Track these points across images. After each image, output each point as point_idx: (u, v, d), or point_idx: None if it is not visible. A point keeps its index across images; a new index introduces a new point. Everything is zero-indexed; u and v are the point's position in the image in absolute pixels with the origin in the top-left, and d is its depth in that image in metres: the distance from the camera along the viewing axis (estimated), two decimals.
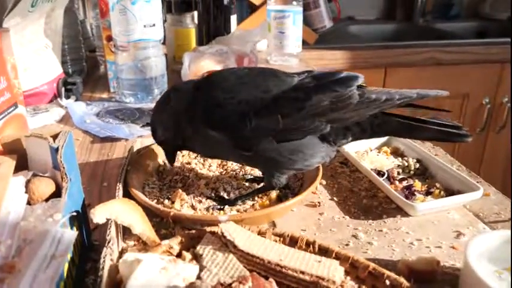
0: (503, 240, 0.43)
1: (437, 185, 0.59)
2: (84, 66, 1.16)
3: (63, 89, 0.96)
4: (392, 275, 0.41)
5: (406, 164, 0.64)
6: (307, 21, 1.54)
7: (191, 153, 0.67)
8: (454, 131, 0.53)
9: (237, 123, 0.50)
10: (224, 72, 0.57)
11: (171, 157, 0.60)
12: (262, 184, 0.57)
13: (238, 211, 0.53)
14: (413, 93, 0.54)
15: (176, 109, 0.55)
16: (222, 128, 0.51)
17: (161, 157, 0.65)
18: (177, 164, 0.64)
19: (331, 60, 1.44)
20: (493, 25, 1.96)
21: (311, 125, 0.50)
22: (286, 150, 0.51)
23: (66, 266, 0.38)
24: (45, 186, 0.43)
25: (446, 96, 0.55)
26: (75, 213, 0.42)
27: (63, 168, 0.42)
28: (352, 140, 0.54)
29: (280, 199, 0.56)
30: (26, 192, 0.42)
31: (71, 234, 0.37)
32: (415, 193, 0.57)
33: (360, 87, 0.52)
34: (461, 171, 0.63)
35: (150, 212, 0.50)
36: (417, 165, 0.64)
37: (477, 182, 0.57)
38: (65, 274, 0.37)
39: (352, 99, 0.50)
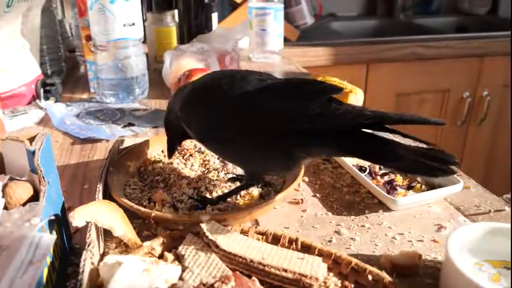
0: (484, 233, 0.44)
1: (419, 179, 0.59)
2: (63, 66, 1.14)
3: (41, 90, 0.94)
4: (375, 270, 0.41)
5: None
6: (288, 18, 1.54)
7: None
8: (438, 166, 0.42)
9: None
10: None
11: (174, 146, 0.61)
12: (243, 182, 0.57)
13: (220, 210, 0.53)
14: (393, 115, 0.44)
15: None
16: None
17: (142, 157, 0.64)
18: (158, 164, 0.63)
19: (313, 56, 1.44)
20: (472, 20, 1.99)
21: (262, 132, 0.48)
22: (237, 153, 0.52)
23: (46, 271, 0.37)
24: (22, 190, 0.42)
25: (443, 124, 0.44)
26: (54, 217, 0.42)
27: (41, 171, 0.42)
28: (317, 155, 0.52)
29: (262, 197, 0.56)
30: (3, 196, 0.41)
31: (49, 238, 0.36)
32: (397, 188, 0.57)
33: (332, 101, 0.47)
34: None
35: (131, 214, 0.49)
36: None
37: (457, 175, 0.57)
38: (44, 279, 0.36)
39: (311, 109, 0.45)
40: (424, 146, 0.44)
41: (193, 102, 0.54)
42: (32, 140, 0.45)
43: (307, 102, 0.46)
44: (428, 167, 0.42)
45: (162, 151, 0.67)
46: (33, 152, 0.42)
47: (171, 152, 0.61)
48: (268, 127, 0.47)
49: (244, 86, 0.50)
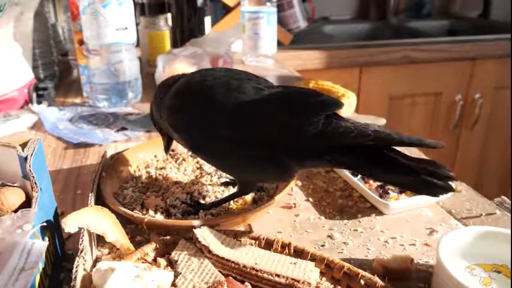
0: (475, 236, 0.44)
1: None
2: (56, 70, 1.14)
3: (34, 95, 0.94)
4: (367, 274, 0.41)
5: None
6: (281, 22, 1.55)
7: (165, 158, 0.66)
8: (436, 182, 0.41)
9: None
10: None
11: (169, 141, 0.60)
12: (236, 189, 0.57)
13: (212, 215, 0.53)
14: (395, 136, 0.42)
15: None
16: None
17: (135, 162, 0.64)
18: (151, 169, 0.63)
19: (306, 60, 1.45)
20: (463, 23, 2.00)
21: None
22: (231, 164, 0.51)
23: (38, 277, 0.37)
24: (14, 197, 0.42)
25: (441, 147, 0.42)
26: (46, 223, 0.42)
27: (33, 177, 0.42)
28: (313, 168, 0.51)
29: (255, 202, 0.56)
30: None
31: (41, 244, 0.36)
32: (389, 192, 0.57)
33: (332, 116, 0.45)
34: None
35: (124, 219, 0.49)
36: None
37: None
38: (37, 286, 0.36)
39: (311, 127, 0.44)
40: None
41: (183, 110, 0.51)
42: (24, 145, 0.45)
43: (306, 117, 0.44)
44: (428, 184, 0.41)
45: (155, 156, 0.67)
46: (26, 158, 0.42)
47: (166, 149, 0.61)
48: (264, 142, 0.46)
49: (240, 96, 0.47)
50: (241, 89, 0.48)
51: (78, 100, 1.01)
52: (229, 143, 0.48)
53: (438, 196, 0.42)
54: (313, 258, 0.44)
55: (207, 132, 0.49)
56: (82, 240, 0.41)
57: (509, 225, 0.52)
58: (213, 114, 0.49)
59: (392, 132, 0.43)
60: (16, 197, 0.42)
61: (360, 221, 0.54)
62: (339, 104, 0.45)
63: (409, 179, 0.42)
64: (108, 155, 0.64)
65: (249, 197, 0.56)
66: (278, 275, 0.40)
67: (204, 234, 0.44)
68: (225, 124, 0.48)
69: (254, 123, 0.47)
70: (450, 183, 0.41)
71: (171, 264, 0.43)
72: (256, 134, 0.47)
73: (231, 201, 0.55)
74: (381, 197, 0.56)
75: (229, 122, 0.47)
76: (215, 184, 0.60)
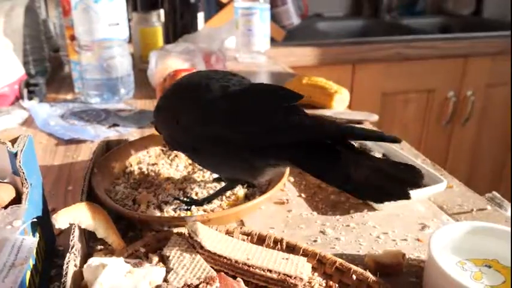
0: (466, 232, 0.44)
1: None
2: (47, 66, 1.13)
3: (25, 91, 0.93)
4: (359, 269, 0.42)
5: None
6: (274, 19, 1.54)
7: (157, 154, 0.66)
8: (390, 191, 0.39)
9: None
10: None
11: None
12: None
13: (205, 211, 0.53)
14: (357, 131, 0.41)
15: None
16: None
17: (127, 158, 0.64)
18: (143, 165, 0.63)
19: (299, 57, 1.44)
20: (456, 21, 2.01)
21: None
22: (206, 161, 0.53)
23: (29, 273, 0.37)
24: (4, 193, 0.42)
25: (399, 141, 0.39)
26: (36, 219, 0.41)
27: (23, 173, 0.41)
28: (278, 166, 0.49)
29: (247, 197, 0.56)
30: None
31: (32, 241, 0.36)
32: None
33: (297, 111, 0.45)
34: (426, 164, 0.64)
35: (116, 215, 0.49)
36: None
37: (441, 175, 0.58)
38: (27, 282, 0.36)
39: (268, 124, 0.44)
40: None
41: (162, 109, 0.55)
42: (14, 141, 0.44)
43: (264, 113, 0.45)
44: (377, 191, 0.39)
45: (147, 152, 0.66)
46: (15, 154, 0.42)
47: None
48: (227, 139, 0.47)
49: (207, 95, 0.49)
50: (209, 87, 0.49)
51: (69, 96, 1.00)
52: (199, 143, 0.50)
53: (383, 203, 0.40)
54: (306, 254, 0.44)
55: (180, 132, 0.52)
56: (73, 237, 0.41)
57: (499, 220, 0.53)
58: (183, 114, 0.51)
59: (356, 127, 0.41)
60: (6, 193, 0.42)
61: (352, 217, 0.54)
62: (296, 96, 0.45)
63: (358, 185, 0.40)
64: (100, 151, 0.64)
65: (241, 193, 0.56)
66: (270, 271, 0.40)
67: (196, 230, 0.44)
68: (193, 124, 0.50)
69: (214, 122, 0.48)
70: (410, 191, 0.38)
71: (163, 260, 0.43)
72: (217, 130, 0.47)
73: (223, 197, 0.55)
74: None
75: (196, 121, 0.49)
76: (207, 180, 0.60)
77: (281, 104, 0.45)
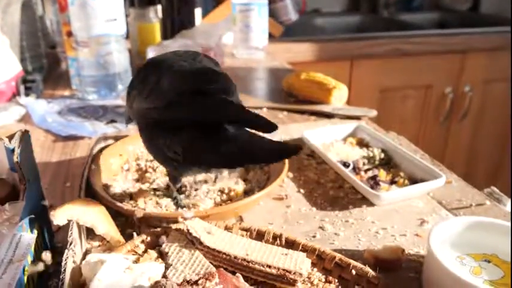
0: (465, 227, 0.44)
1: (402, 174, 0.60)
2: (44, 63, 1.12)
3: (22, 87, 0.93)
4: (358, 264, 0.41)
5: (371, 154, 0.65)
6: (272, 14, 1.54)
7: None
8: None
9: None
10: None
11: None
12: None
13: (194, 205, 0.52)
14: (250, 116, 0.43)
15: None
16: None
17: (125, 155, 0.64)
18: (141, 161, 0.63)
19: (297, 53, 1.44)
20: (453, 16, 2.01)
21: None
22: (141, 135, 0.52)
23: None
24: (1, 189, 0.41)
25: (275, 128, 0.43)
26: (34, 216, 0.41)
27: (20, 169, 0.41)
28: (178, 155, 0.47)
29: (246, 193, 0.56)
30: None
31: (30, 237, 0.36)
32: (380, 183, 0.58)
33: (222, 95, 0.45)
34: (425, 159, 0.64)
35: (114, 211, 0.49)
36: (382, 155, 0.64)
37: (439, 170, 0.58)
38: (25, 278, 0.36)
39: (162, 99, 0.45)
40: None
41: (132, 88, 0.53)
42: (11, 137, 0.44)
43: (173, 90, 0.45)
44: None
45: None
46: (12, 150, 0.42)
47: None
48: (142, 112, 0.48)
49: (153, 72, 0.49)
50: (157, 65, 0.50)
51: (67, 93, 1.00)
52: (134, 114, 0.51)
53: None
54: (305, 249, 0.44)
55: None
56: (71, 233, 0.41)
57: (498, 215, 0.53)
58: (134, 89, 0.51)
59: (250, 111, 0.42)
60: (3, 189, 0.42)
61: (351, 212, 0.54)
62: (219, 81, 0.45)
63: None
64: (98, 147, 0.64)
65: (240, 189, 0.56)
66: (269, 266, 0.40)
67: (195, 226, 0.44)
68: (134, 96, 0.50)
69: (141, 95, 0.49)
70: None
71: (162, 256, 0.43)
72: (139, 104, 0.49)
73: (223, 194, 0.55)
74: (372, 188, 0.56)
75: (136, 94, 0.50)
76: (207, 176, 0.60)
77: (200, 86, 0.44)
